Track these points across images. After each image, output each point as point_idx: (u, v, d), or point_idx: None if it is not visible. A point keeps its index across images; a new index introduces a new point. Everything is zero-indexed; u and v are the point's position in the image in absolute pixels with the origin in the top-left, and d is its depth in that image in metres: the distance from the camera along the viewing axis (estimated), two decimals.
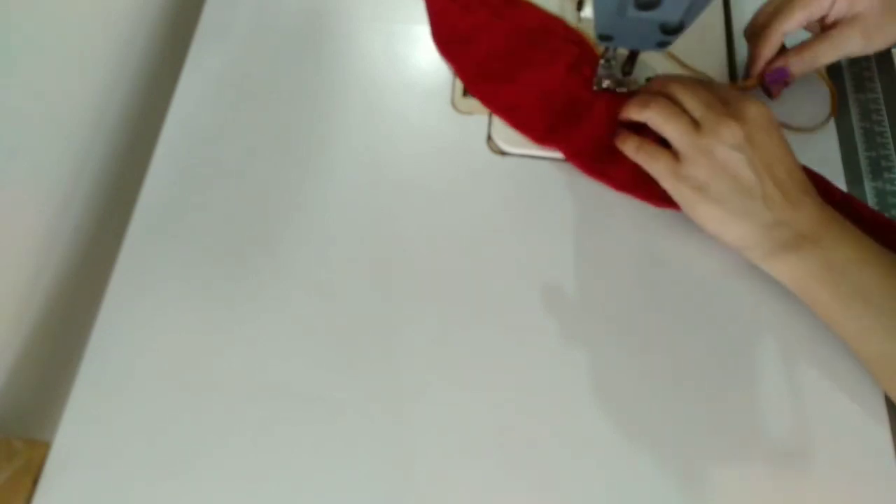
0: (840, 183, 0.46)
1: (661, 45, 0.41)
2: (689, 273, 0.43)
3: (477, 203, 0.45)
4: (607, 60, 0.47)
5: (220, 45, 0.50)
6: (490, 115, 0.47)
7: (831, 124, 0.48)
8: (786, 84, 0.45)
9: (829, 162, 0.46)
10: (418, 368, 0.40)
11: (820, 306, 0.38)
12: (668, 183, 0.40)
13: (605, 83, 0.48)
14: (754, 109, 0.39)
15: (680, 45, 0.50)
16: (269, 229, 0.44)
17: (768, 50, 0.44)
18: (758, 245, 0.38)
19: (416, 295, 0.42)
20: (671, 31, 0.39)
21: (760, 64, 0.45)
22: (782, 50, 0.45)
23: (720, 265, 0.42)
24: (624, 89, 0.48)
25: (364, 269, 0.42)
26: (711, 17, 0.52)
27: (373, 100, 0.48)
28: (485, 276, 0.42)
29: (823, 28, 0.45)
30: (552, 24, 0.50)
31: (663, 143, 0.41)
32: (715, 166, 0.38)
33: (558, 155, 0.46)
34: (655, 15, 0.37)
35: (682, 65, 0.50)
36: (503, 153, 0.46)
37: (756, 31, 0.45)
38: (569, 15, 0.51)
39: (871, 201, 0.45)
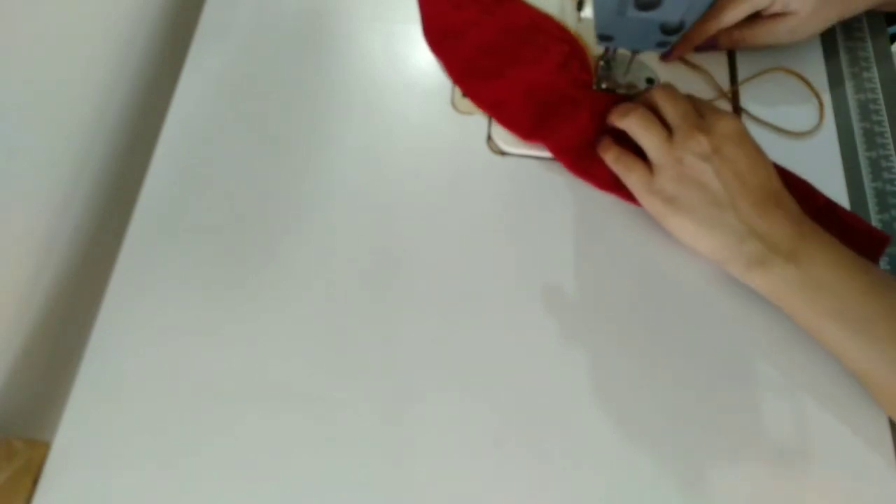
0: (840, 183, 0.46)
1: (661, 45, 0.41)
2: (689, 273, 0.43)
3: (477, 203, 0.45)
4: (606, 61, 0.47)
5: (220, 45, 0.50)
6: (490, 116, 0.47)
7: (831, 124, 0.48)
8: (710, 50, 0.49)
9: (829, 162, 0.46)
10: (418, 368, 0.40)
11: (800, 320, 0.38)
12: (641, 196, 0.41)
13: (605, 84, 0.48)
14: (724, 123, 0.39)
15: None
16: (269, 229, 0.44)
17: (702, 38, 0.47)
18: (733, 258, 0.38)
19: (415, 295, 0.42)
20: (671, 31, 0.39)
21: (689, 49, 0.48)
22: None
23: (719, 268, 0.42)
24: (623, 90, 0.48)
25: (364, 268, 0.42)
26: None
27: (373, 100, 0.48)
28: (484, 276, 0.42)
29: (759, 15, 0.47)
30: (542, 22, 0.50)
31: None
32: (682, 177, 0.39)
33: None
34: (655, 15, 0.37)
35: (686, 62, 0.50)
36: (503, 153, 0.46)
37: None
38: (569, 15, 0.51)
39: (871, 201, 0.45)
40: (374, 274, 0.42)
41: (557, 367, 0.40)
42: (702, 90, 0.49)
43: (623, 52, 0.47)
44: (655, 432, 0.39)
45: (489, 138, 0.47)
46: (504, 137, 0.46)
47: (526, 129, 0.45)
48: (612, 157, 0.43)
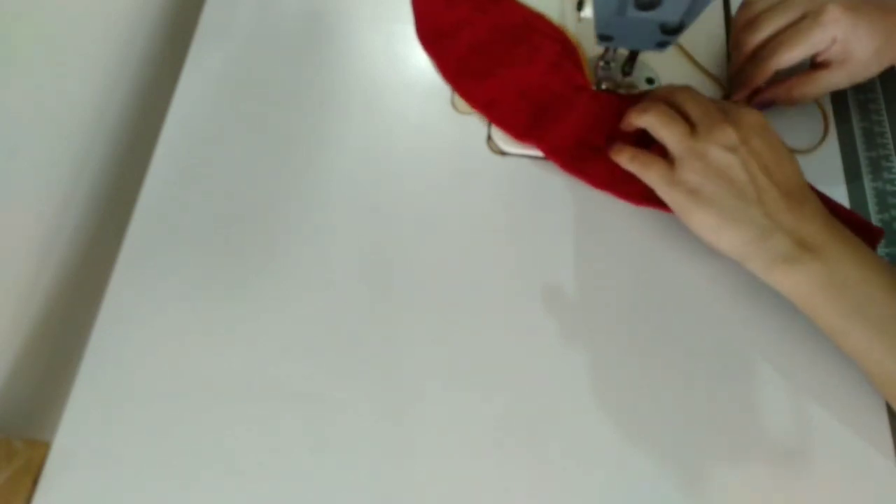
0: (840, 183, 0.46)
1: (661, 45, 0.41)
2: (690, 273, 0.43)
3: (476, 203, 0.45)
4: (607, 62, 0.47)
5: (220, 45, 0.50)
6: (484, 116, 0.47)
7: (831, 124, 0.48)
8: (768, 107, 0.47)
9: (829, 162, 0.46)
10: (418, 368, 0.40)
11: (820, 320, 0.37)
12: (662, 190, 0.40)
13: (605, 84, 0.48)
14: (750, 116, 0.39)
15: (681, 44, 0.50)
16: (269, 229, 0.44)
17: (762, 80, 0.45)
18: (756, 255, 0.37)
19: (415, 294, 0.42)
20: (671, 31, 0.39)
21: (748, 92, 0.46)
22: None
23: (721, 265, 0.42)
24: (623, 90, 0.48)
25: (364, 268, 0.42)
26: (711, 16, 0.52)
27: (373, 100, 0.48)
28: (484, 276, 0.42)
29: (813, 63, 0.45)
30: (535, 21, 0.50)
31: (662, 154, 0.41)
32: (708, 168, 0.38)
33: None
34: (655, 15, 0.37)
35: (692, 61, 0.50)
36: (503, 153, 0.46)
37: (750, 60, 0.45)
38: (569, 15, 0.51)
39: (871, 201, 0.45)
40: (375, 274, 0.42)
41: (557, 366, 0.40)
42: (703, 90, 0.48)
43: (623, 51, 0.47)
44: (655, 432, 0.39)
45: (489, 138, 0.47)
46: (504, 137, 0.46)
47: (520, 130, 0.45)
48: (627, 157, 0.42)
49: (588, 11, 0.40)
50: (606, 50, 0.46)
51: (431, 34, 0.50)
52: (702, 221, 0.38)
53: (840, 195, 0.45)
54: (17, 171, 0.39)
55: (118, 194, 0.49)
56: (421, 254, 0.43)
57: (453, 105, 0.48)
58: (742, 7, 0.47)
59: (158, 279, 0.42)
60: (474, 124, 0.47)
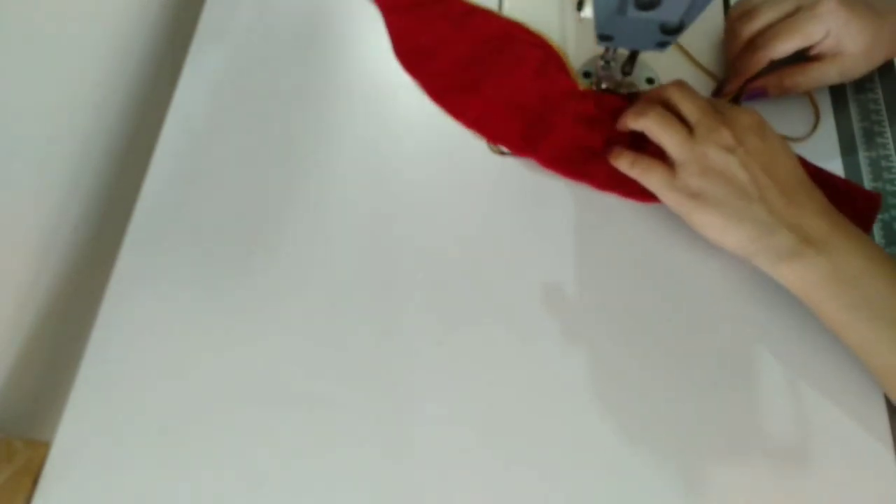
0: None
1: (661, 45, 0.41)
2: (691, 273, 0.43)
3: (477, 203, 0.45)
4: (607, 62, 0.47)
5: (220, 45, 0.50)
6: (475, 132, 0.47)
7: (831, 124, 0.48)
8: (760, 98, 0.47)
9: (829, 162, 0.46)
10: (418, 368, 0.40)
11: (825, 315, 0.37)
12: (664, 194, 0.40)
13: (605, 84, 0.48)
14: (746, 116, 0.39)
15: (684, 43, 0.50)
16: (269, 229, 0.44)
17: (756, 69, 0.45)
18: (762, 252, 0.38)
19: (415, 295, 0.42)
20: (671, 31, 0.39)
21: (741, 81, 0.46)
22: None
23: (722, 265, 0.42)
24: (623, 90, 0.48)
25: (364, 268, 0.42)
26: (711, 17, 0.52)
27: (373, 100, 0.48)
28: (485, 277, 0.42)
29: (806, 56, 0.45)
30: (513, 30, 0.49)
31: (660, 153, 0.42)
32: (708, 170, 0.38)
33: None
34: (655, 15, 0.37)
35: (692, 60, 0.50)
36: (503, 153, 0.46)
37: (745, 49, 0.46)
38: (569, 15, 0.51)
39: None
40: (375, 273, 0.42)
41: (557, 366, 0.40)
42: (703, 89, 0.49)
43: (623, 51, 0.47)
44: (656, 432, 0.39)
45: None
46: None
47: (515, 143, 0.45)
48: (628, 163, 0.42)
49: (588, 11, 0.40)
50: (606, 50, 0.46)
51: (410, 54, 0.49)
52: (706, 223, 0.39)
53: None
54: (17, 170, 0.39)
55: (118, 194, 0.49)
56: (421, 253, 0.43)
57: None
58: (737, 2, 0.48)
59: (158, 279, 0.42)
60: None
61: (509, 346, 0.40)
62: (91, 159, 0.47)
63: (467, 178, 0.45)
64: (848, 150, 0.47)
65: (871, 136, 0.48)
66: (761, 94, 0.47)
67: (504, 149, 0.46)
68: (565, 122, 0.46)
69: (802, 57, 0.46)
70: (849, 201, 0.42)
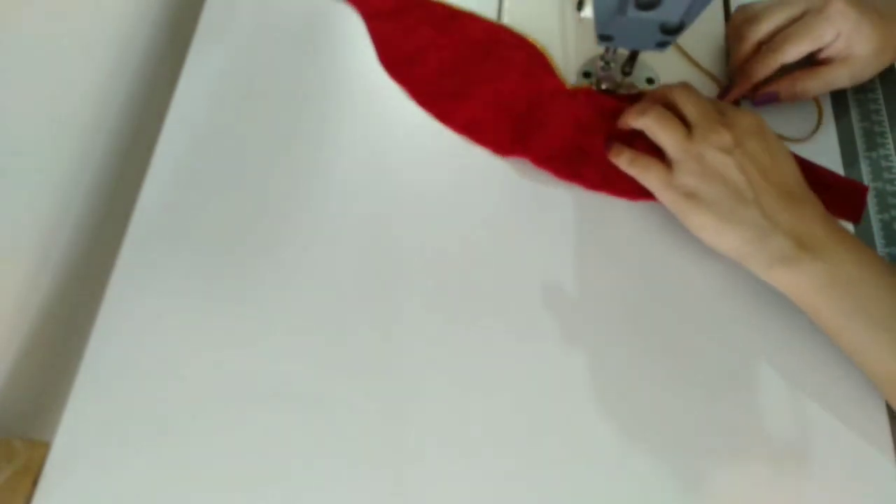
0: None
1: (661, 45, 0.41)
2: (690, 272, 0.43)
3: (476, 203, 0.45)
4: (607, 62, 0.47)
5: (220, 45, 0.50)
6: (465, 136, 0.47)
7: (831, 124, 0.48)
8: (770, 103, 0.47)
9: (829, 162, 0.46)
10: (418, 368, 0.40)
11: (821, 320, 0.37)
12: (661, 193, 0.41)
13: (605, 84, 0.48)
14: (747, 118, 0.39)
15: (682, 44, 0.50)
16: (269, 229, 0.44)
17: (766, 74, 0.45)
18: (756, 255, 0.38)
19: (415, 295, 0.42)
20: (671, 31, 0.39)
21: (749, 86, 0.46)
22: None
23: (721, 264, 0.42)
24: (623, 90, 0.48)
25: (364, 268, 0.42)
26: (711, 17, 0.52)
27: (373, 99, 0.48)
28: (485, 276, 0.42)
29: (815, 60, 0.45)
30: (498, 33, 0.49)
31: (656, 154, 0.42)
32: (705, 171, 0.38)
33: None
34: (655, 15, 0.37)
35: (691, 61, 0.50)
36: None
37: (754, 54, 0.46)
38: (569, 15, 0.51)
39: (870, 201, 0.45)
40: (375, 274, 0.42)
41: (557, 366, 0.40)
42: (702, 90, 0.49)
43: (623, 51, 0.47)
44: (656, 432, 0.39)
45: None
46: None
47: (504, 146, 0.45)
48: (627, 160, 0.42)
49: (588, 11, 0.40)
50: (606, 50, 0.46)
51: (396, 61, 0.49)
52: (701, 223, 0.39)
53: None
54: (17, 170, 0.39)
55: (118, 194, 0.49)
56: (421, 253, 0.43)
57: None
58: (740, 7, 0.48)
59: (158, 279, 0.42)
60: None
61: (509, 346, 0.40)
62: (91, 159, 0.47)
63: (467, 177, 0.45)
64: (848, 150, 0.47)
65: (871, 136, 0.48)
66: (772, 100, 0.46)
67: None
68: (555, 121, 0.46)
69: (810, 62, 0.45)
70: (838, 193, 0.43)
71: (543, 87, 0.47)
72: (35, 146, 0.41)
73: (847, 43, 0.43)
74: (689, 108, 0.41)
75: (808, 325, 0.40)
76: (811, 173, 0.43)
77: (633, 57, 0.46)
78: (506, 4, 0.51)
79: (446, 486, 0.37)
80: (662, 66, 0.49)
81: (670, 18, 0.37)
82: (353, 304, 0.41)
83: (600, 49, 0.47)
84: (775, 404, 0.39)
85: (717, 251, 0.39)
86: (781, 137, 0.47)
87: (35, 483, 0.37)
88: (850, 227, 0.44)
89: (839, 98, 0.49)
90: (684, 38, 0.50)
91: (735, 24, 0.48)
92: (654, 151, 0.42)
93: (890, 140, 0.47)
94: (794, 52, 0.44)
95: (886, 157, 0.47)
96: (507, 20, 0.51)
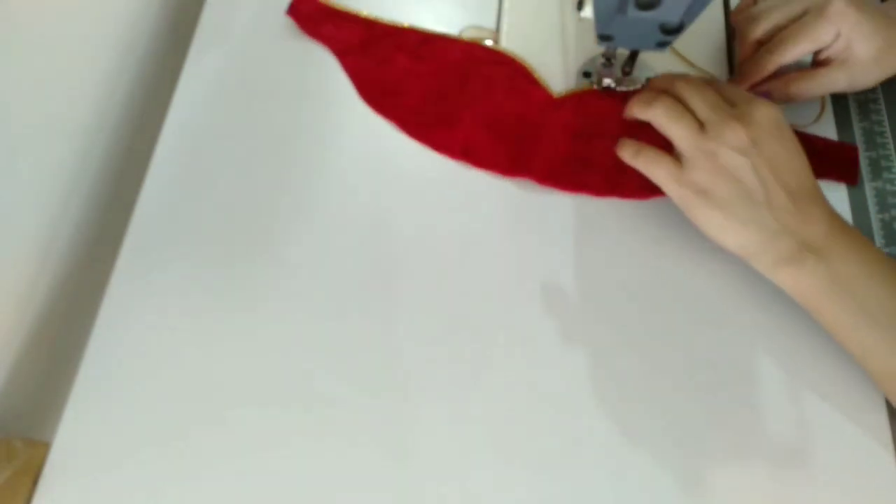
0: (840, 183, 0.46)
1: (661, 45, 0.41)
2: (691, 274, 0.43)
3: (476, 203, 0.45)
4: (608, 59, 0.47)
5: (220, 46, 0.50)
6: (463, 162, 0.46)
7: (830, 123, 0.48)
8: None
9: None
10: (418, 369, 0.40)
11: (824, 320, 0.37)
12: (669, 188, 0.39)
13: (606, 82, 0.48)
14: (762, 111, 0.37)
15: (680, 44, 0.50)
16: (270, 229, 0.44)
17: (765, 74, 0.45)
18: (761, 254, 0.37)
19: (416, 296, 0.42)
20: (671, 31, 0.39)
21: (747, 86, 0.46)
22: None
23: (722, 266, 0.42)
24: (624, 88, 0.48)
25: (365, 269, 0.42)
26: (711, 17, 0.52)
27: None
28: (485, 277, 0.42)
29: (814, 61, 0.45)
30: (474, 52, 0.49)
31: (664, 146, 0.41)
32: (717, 170, 0.37)
33: None
34: (655, 15, 0.37)
35: (686, 62, 0.50)
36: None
37: (753, 54, 0.45)
38: (569, 15, 0.51)
39: (871, 201, 0.45)
40: (375, 274, 0.42)
41: (557, 366, 0.40)
42: None
43: (623, 51, 0.47)
44: (656, 432, 0.38)
45: None
46: None
47: (503, 167, 0.45)
48: (632, 153, 0.40)
49: (588, 11, 0.40)
50: (606, 50, 0.46)
51: (375, 94, 0.47)
52: (709, 221, 0.38)
53: (840, 195, 0.45)
54: (17, 171, 0.39)
55: (118, 194, 0.49)
56: (421, 254, 0.43)
57: None
58: (740, 6, 0.48)
59: (158, 279, 0.42)
60: None
61: (510, 347, 0.40)
62: (91, 159, 0.47)
63: (468, 178, 0.45)
64: None
65: (871, 136, 0.47)
66: (765, 98, 0.46)
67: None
68: (550, 134, 0.45)
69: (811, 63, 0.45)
70: (830, 157, 0.44)
71: (531, 101, 0.46)
72: (35, 146, 0.41)
73: (847, 44, 0.42)
74: (697, 102, 0.39)
75: (809, 325, 0.40)
76: (802, 141, 0.42)
77: (633, 57, 0.46)
78: (506, 5, 0.51)
79: (446, 485, 0.37)
80: (662, 66, 0.49)
81: (670, 18, 0.37)
82: (353, 305, 0.41)
83: (600, 49, 0.47)
84: (776, 403, 0.39)
85: (721, 247, 0.39)
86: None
87: (35, 483, 0.37)
88: (849, 221, 0.44)
89: (839, 97, 0.49)
90: (683, 39, 0.50)
91: (735, 22, 0.47)
92: (662, 143, 0.40)
93: (890, 140, 0.47)
94: (792, 52, 0.43)
95: (886, 157, 0.47)
96: (507, 20, 0.51)
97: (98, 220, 0.48)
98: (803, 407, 0.39)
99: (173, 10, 0.55)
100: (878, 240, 0.44)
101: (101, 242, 0.47)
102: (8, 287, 0.40)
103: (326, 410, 0.39)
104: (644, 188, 0.42)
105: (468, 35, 0.50)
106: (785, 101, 0.45)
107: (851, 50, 0.42)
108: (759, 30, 0.45)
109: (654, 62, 0.49)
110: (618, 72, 0.48)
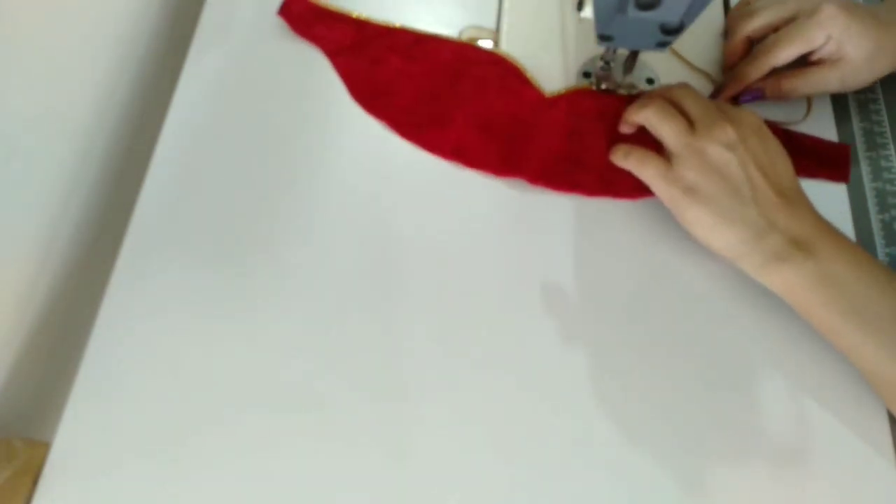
0: (840, 183, 0.46)
1: (661, 45, 0.41)
2: (691, 274, 0.43)
3: (476, 203, 0.45)
4: (607, 62, 0.47)
5: (220, 46, 0.50)
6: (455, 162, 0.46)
7: (830, 123, 0.48)
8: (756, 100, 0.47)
9: None
10: (418, 369, 0.40)
11: (814, 319, 0.37)
12: (657, 186, 0.40)
13: (605, 84, 0.48)
14: (748, 116, 0.39)
15: (680, 44, 0.50)
16: (269, 230, 0.44)
17: (757, 76, 0.45)
18: (750, 254, 0.37)
19: (415, 295, 0.42)
20: (671, 31, 0.39)
21: (740, 88, 0.46)
22: None
23: (720, 264, 0.42)
24: (624, 91, 0.48)
25: (364, 269, 0.42)
26: (711, 17, 0.52)
27: None
28: (484, 277, 0.42)
29: (807, 61, 0.45)
30: (465, 52, 0.49)
31: (657, 150, 0.41)
32: (705, 166, 0.38)
33: None
34: (655, 15, 0.37)
35: (685, 62, 0.50)
36: None
37: (745, 56, 0.46)
38: (569, 15, 0.51)
39: (871, 202, 0.45)
40: (374, 274, 0.42)
41: (556, 366, 0.40)
42: (702, 92, 0.49)
43: (623, 51, 0.47)
44: (656, 432, 0.39)
45: None
46: None
47: (495, 167, 0.45)
48: (622, 154, 0.42)
49: (588, 11, 0.40)
50: (606, 50, 0.46)
51: (367, 94, 0.47)
52: (697, 219, 0.38)
53: (840, 195, 0.45)
54: (17, 171, 0.39)
55: (118, 194, 0.49)
56: (421, 253, 0.43)
57: None
58: (738, 4, 0.49)
59: (158, 279, 0.42)
60: None
61: (509, 346, 0.40)
62: (91, 159, 0.47)
63: (467, 178, 0.45)
64: None
65: (871, 136, 0.48)
66: (758, 97, 0.47)
67: None
68: (542, 134, 0.45)
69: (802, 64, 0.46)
70: (822, 156, 0.44)
71: (523, 100, 0.46)
72: (35, 146, 0.41)
73: (838, 45, 0.43)
74: (690, 103, 0.40)
75: (807, 326, 0.40)
76: (794, 140, 0.43)
77: (633, 57, 0.46)
78: (506, 5, 0.51)
79: (446, 485, 0.37)
80: (662, 66, 0.49)
81: (670, 19, 0.37)
82: (353, 305, 0.41)
83: (600, 49, 0.47)
84: (775, 404, 0.39)
85: (710, 249, 0.39)
86: (774, 122, 0.47)
87: (35, 483, 0.37)
88: (848, 225, 0.44)
89: (839, 98, 0.49)
90: (683, 39, 0.50)
91: (729, 20, 0.48)
92: (655, 148, 0.41)
93: (890, 140, 0.47)
94: (784, 54, 0.44)
95: (886, 157, 0.47)
96: (506, 21, 0.51)
97: (98, 220, 0.48)
98: (803, 407, 0.39)
99: (173, 10, 0.55)
100: (878, 240, 0.44)
101: (101, 242, 0.47)
102: (8, 287, 0.40)
103: (326, 410, 0.39)
104: (637, 188, 0.42)
105: (468, 35, 0.50)
106: (777, 98, 0.46)
107: (843, 52, 0.43)
108: (750, 27, 0.46)
109: (654, 62, 0.49)
110: (617, 75, 0.48)
